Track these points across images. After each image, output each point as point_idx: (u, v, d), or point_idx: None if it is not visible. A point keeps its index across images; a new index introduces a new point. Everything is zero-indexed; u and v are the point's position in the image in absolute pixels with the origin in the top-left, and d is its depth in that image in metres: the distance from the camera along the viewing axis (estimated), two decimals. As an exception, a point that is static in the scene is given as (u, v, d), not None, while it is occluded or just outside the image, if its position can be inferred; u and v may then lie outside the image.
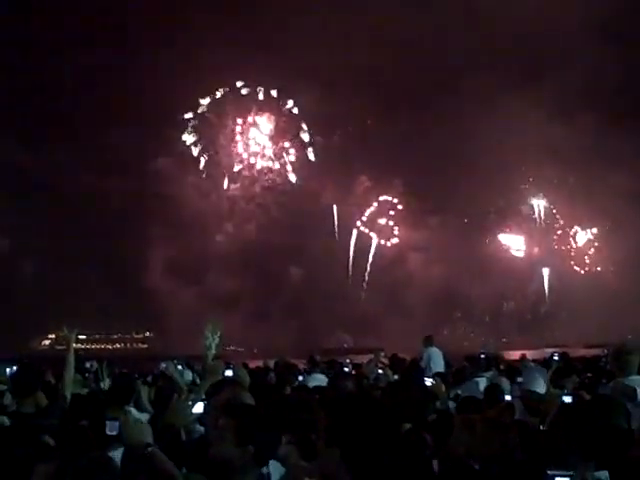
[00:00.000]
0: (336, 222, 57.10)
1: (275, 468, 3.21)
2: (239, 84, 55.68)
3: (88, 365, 12.19)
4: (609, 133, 46.80)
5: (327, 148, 57.29)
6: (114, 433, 3.50)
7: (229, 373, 6.14)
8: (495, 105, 48.12)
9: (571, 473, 2.09)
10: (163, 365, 6.65)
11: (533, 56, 50.47)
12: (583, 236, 57.90)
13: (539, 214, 58.19)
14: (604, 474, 2.91)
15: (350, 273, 56.75)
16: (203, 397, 5.23)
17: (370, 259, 56.44)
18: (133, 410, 5.15)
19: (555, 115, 49.98)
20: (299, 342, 47.53)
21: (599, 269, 56.81)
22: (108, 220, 50.91)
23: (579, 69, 49.34)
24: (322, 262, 55.51)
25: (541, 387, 5.78)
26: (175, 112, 53.57)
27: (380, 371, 11.11)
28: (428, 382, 6.96)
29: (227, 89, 55.51)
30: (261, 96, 56.21)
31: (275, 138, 57.60)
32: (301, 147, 57.19)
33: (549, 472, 2.10)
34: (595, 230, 57.37)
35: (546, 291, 56.64)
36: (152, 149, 53.06)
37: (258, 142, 57.39)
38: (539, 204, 57.99)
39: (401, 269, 54.89)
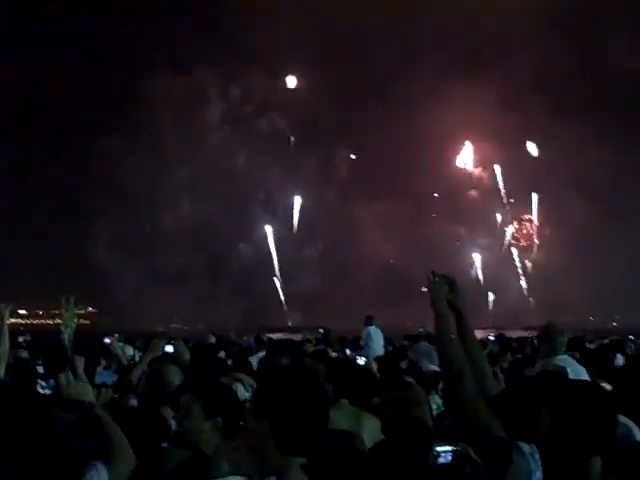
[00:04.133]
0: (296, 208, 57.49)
1: None
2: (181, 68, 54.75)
3: (21, 340, 11.82)
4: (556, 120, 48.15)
5: (275, 131, 57.38)
6: (47, 392, 3.27)
7: (169, 349, 6.17)
8: (443, 90, 48.81)
9: (456, 448, 2.22)
10: (107, 340, 6.51)
11: (483, 43, 51.03)
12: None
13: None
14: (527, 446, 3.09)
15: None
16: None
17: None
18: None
19: (502, 101, 51.03)
20: (246, 320, 47.67)
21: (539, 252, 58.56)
22: (52, 193, 49.93)
23: (528, 56, 50.32)
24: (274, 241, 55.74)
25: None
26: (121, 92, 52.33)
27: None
28: (361, 361, 7.08)
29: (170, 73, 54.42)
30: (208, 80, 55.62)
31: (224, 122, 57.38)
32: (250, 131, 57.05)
33: (437, 448, 2.22)
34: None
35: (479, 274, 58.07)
36: (101, 126, 51.93)
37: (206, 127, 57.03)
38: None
39: (353, 249, 55.38)
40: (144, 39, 48.60)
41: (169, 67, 51.45)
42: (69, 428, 3.31)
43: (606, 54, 48.98)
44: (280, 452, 2.34)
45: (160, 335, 7.13)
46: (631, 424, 3.80)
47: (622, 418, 3.66)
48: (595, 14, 48.54)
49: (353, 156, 57.65)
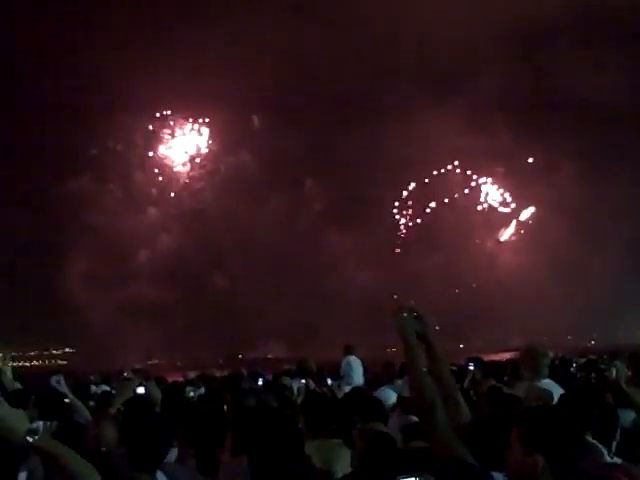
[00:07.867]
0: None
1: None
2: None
3: None
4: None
5: (241, 165, 57.75)
6: None
7: (141, 390, 6.06)
8: (413, 116, 49.42)
9: (419, 478, 2.22)
10: (54, 379, 5.81)
11: (450, 67, 51.74)
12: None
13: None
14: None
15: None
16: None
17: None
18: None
19: (470, 124, 51.92)
20: (226, 353, 47.32)
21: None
22: (24, 234, 49.47)
23: (493, 78, 51.18)
24: (252, 272, 55.58)
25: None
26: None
27: (302, 381, 11.08)
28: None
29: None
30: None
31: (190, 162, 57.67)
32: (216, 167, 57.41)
33: (399, 478, 2.22)
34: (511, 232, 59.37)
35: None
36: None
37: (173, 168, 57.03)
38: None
39: (333, 276, 55.35)
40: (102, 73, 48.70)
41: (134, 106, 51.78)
42: None
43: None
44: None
45: (134, 375, 6.98)
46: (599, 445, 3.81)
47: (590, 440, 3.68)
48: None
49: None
